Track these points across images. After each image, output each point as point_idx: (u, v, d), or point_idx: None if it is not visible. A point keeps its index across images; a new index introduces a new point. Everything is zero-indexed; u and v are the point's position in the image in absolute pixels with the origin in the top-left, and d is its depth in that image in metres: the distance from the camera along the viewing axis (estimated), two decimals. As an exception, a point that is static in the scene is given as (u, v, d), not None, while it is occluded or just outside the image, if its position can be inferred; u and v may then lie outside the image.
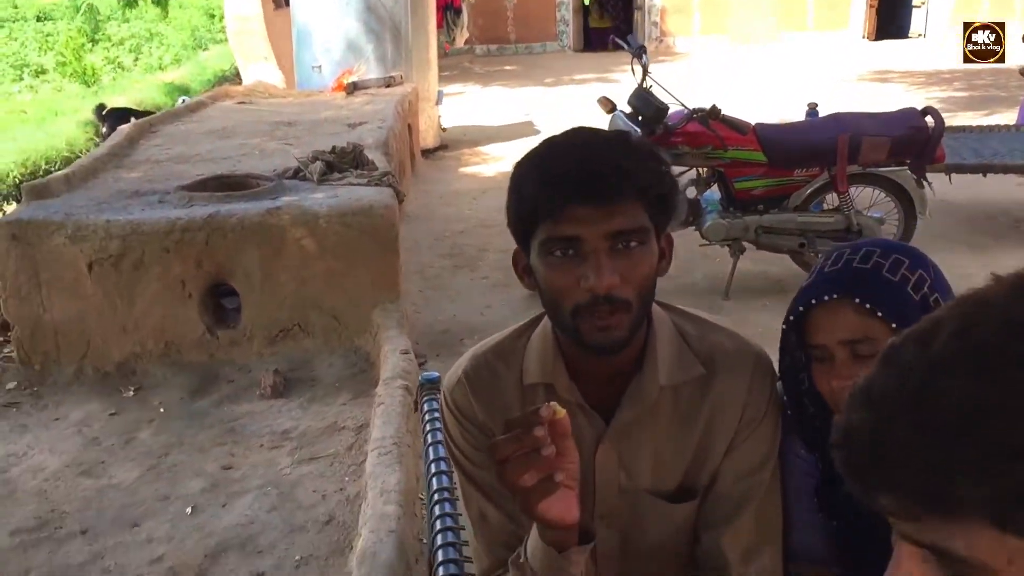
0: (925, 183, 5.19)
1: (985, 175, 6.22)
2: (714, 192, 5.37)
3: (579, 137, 1.37)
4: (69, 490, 3.61)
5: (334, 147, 5.32)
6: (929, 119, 5.03)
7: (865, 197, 5.46)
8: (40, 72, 16.74)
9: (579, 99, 9.86)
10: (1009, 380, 0.63)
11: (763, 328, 4.79)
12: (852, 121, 5.11)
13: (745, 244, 5.29)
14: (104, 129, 8.52)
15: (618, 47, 5.69)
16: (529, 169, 1.35)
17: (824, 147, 5.01)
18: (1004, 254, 5.96)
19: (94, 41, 18.84)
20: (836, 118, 5.25)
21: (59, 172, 5.40)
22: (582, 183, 1.27)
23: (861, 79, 13.96)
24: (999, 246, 6.17)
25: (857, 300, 1.35)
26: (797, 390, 1.50)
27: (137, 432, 4.05)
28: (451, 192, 8.15)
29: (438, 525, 1.80)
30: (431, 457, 1.98)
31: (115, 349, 4.51)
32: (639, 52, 5.24)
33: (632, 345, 1.39)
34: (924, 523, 0.67)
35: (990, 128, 6.89)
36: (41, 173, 7.42)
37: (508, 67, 17.36)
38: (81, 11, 20.18)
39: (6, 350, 4.67)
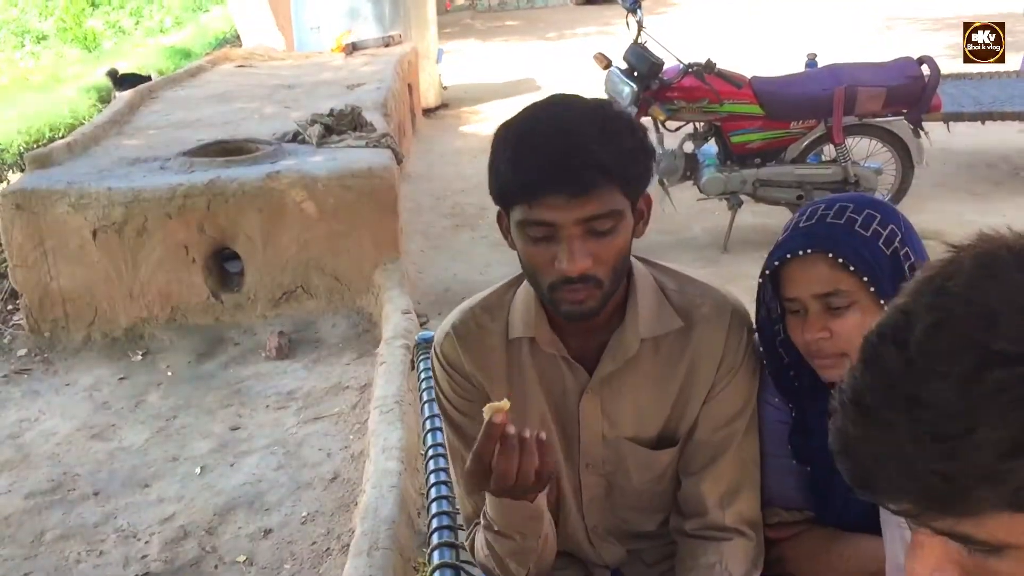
0: (922, 132, 5.19)
1: (984, 123, 6.19)
2: (711, 146, 5.37)
3: (555, 120, 1.34)
4: (81, 453, 3.70)
5: (332, 110, 5.34)
6: (925, 68, 5.02)
7: (862, 148, 5.46)
8: (41, 38, 16.64)
9: (581, 54, 9.79)
10: (993, 379, 0.63)
11: (760, 281, 4.86)
12: (848, 72, 5.10)
13: (743, 197, 5.31)
14: (118, 94, 8.51)
15: (612, 1, 5.67)
16: (506, 149, 1.36)
17: (820, 99, 5.01)
18: (1004, 201, 5.97)
19: (94, 5, 18.69)
20: (832, 69, 5.23)
21: (61, 140, 5.44)
22: (555, 175, 1.29)
23: (864, 26, 13.83)
24: (999, 193, 6.17)
25: (830, 255, 1.38)
26: (773, 341, 1.55)
27: (146, 395, 4.14)
28: (452, 151, 8.15)
29: (432, 479, 1.87)
30: (426, 414, 2.05)
31: (122, 315, 4.59)
32: (634, 7, 5.23)
33: (611, 302, 1.45)
34: (941, 520, 0.68)
35: (989, 75, 6.85)
36: (45, 141, 7.44)
37: (510, 22, 17.20)
38: (80, -25, 20.03)
39: (15, 318, 4.76)
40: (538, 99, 1.43)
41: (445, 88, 10.38)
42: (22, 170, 5.69)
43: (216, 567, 3.01)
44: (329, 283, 4.68)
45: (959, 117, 6.00)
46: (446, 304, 4.82)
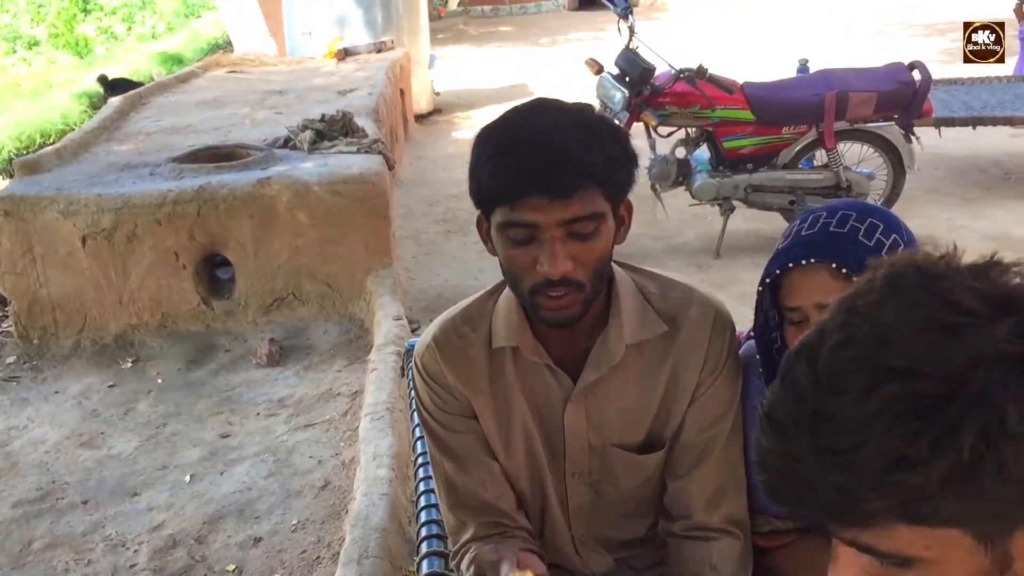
0: (913, 137, 5.19)
1: (975, 128, 6.21)
2: (703, 152, 5.37)
3: (538, 122, 1.33)
4: (69, 461, 3.68)
5: (323, 115, 5.33)
6: (916, 73, 5.02)
7: (854, 153, 5.46)
8: (33, 44, 16.61)
9: (574, 59, 9.80)
10: (882, 395, 0.65)
11: (752, 285, 4.84)
12: (839, 77, 5.11)
13: (735, 203, 5.31)
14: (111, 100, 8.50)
15: (604, 6, 5.68)
16: (488, 152, 1.34)
17: (811, 104, 5.02)
18: (995, 206, 5.98)
19: (86, 11, 18.66)
20: (823, 74, 5.24)
21: (50, 147, 5.42)
22: (539, 177, 1.28)
23: (856, 31, 13.86)
24: (990, 198, 6.18)
25: (834, 265, 1.36)
26: (770, 348, 1.53)
27: (135, 403, 4.12)
28: (445, 157, 8.15)
29: (422, 487, 1.86)
30: (416, 421, 2.04)
31: (112, 322, 4.57)
32: (625, 12, 5.23)
33: (593, 307, 1.43)
34: (846, 531, 0.71)
35: (980, 80, 6.87)
36: (37, 147, 7.42)
37: (503, 28, 17.22)
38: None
39: (4, 325, 4.73)
40: (517, 104, 1.42)
41: (438, 94, 10.38)
42: (11, 176, 5.67)
43: (205, 576, 2.99)
44: (320, 289, 4.66)
45: (950, 122, 6.02)
46: (438, 310, 4.74)
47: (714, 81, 5.00)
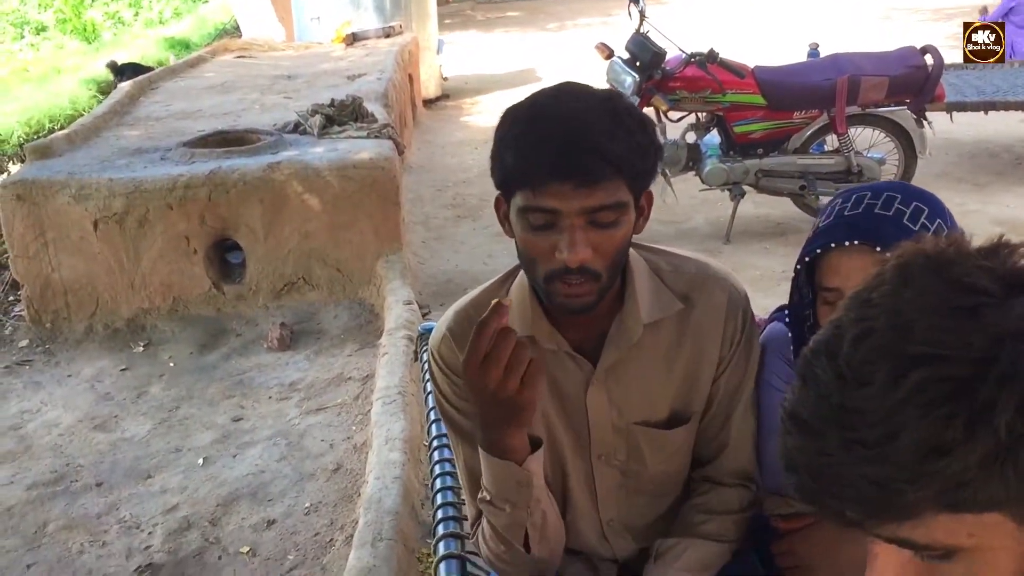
0: (925, 122, 5.17)
1: (987, 112, 6.18)
2: (714, 136, 5.36)
3: (564, 105, 1.31)
4: (83, 444, 3.70)
5: (333, 100, 5.32)
6: (928, 58, 5.00)
7: (865, 138, 5.45)
8: (41, 29, 16.61)
9: (582, 44, 9.76)
10: (910, 382, 0.65)
11: (763, 271, 4.85)
12: (850, 61, 5.08)
13: (745, 188, 5.30)
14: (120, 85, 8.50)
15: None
16: (513, 134, 1.33)
17: (823, 89, 5.00)
18: (1007, 191, 5.97)
19: (93, -4, 18.66)
20: (834, 59, 5.22)
21: (61, 132, 5.43)
22: (563, 162, 1.26)
23: (865, 16, 13.79)
24: (1002, 183, 6.16)
25: (878, 248, 1.34)
26: (802, 326, 1.53)
27: (148, 387, 4.14)
28: (453, 142, 8.14)
29: (437, 470, 1.86)
30: (431, 404, 2.04)
31: (124, 306, 4.58)
32: (636, -4, 5.22)
33: (608, 291, 1.43)
34: (883, 527, 0.70)
35: (992, 65, 6.82)
36: (45, 132, 7.42)
37: (511, 13, 17.17)
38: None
39: (17, 309, 4.75)
40: (544, 87, 1.40)
41: (446, 79, 10.37)
42: (22, 161, 5.68)
43: (219, 558, 3.00)
44: (331, 274, 4.67)
45: (962, 107, 6.00)
46: (448, 295, 4.82)
47: (725, 65, 4.98)
